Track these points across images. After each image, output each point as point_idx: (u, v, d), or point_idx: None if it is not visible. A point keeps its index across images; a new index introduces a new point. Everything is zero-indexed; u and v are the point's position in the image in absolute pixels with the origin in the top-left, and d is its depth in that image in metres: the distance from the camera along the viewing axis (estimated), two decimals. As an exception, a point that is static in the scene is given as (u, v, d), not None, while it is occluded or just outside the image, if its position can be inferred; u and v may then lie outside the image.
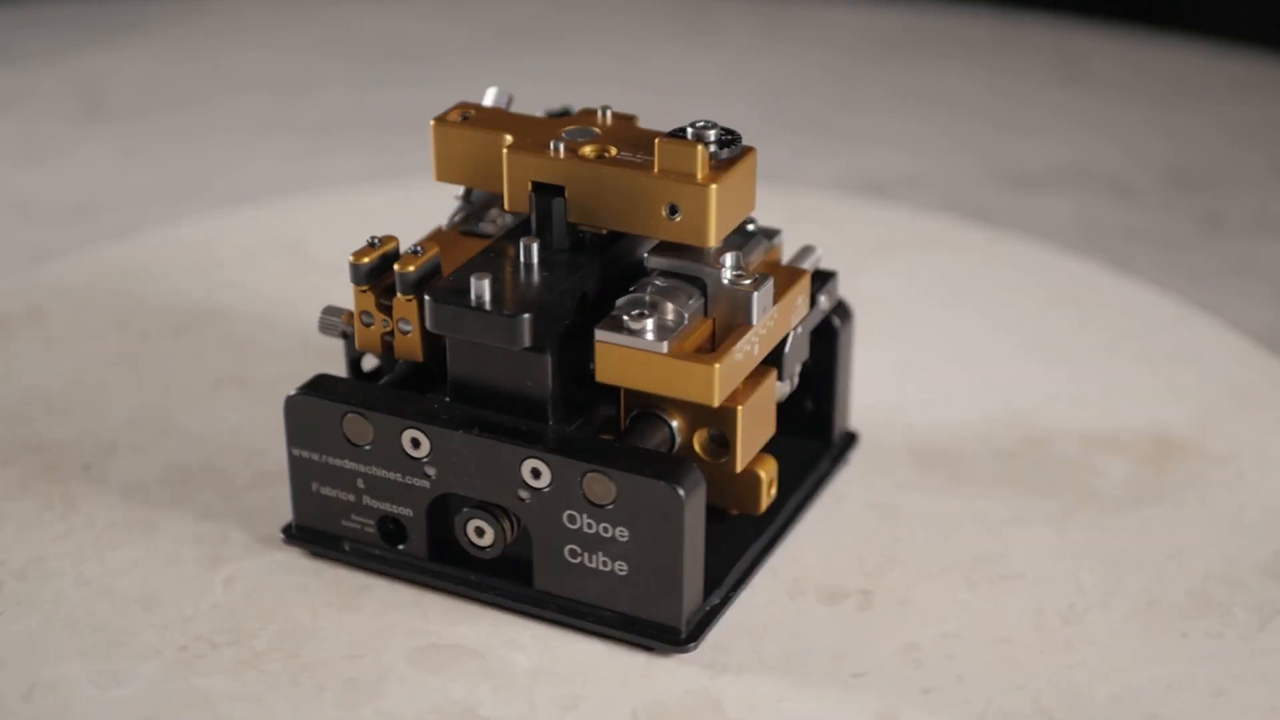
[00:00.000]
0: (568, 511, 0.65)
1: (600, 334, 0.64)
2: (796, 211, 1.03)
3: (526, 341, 0.64)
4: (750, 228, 0.69)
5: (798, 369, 0.70)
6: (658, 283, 0.65)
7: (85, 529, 0.74)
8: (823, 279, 0.71)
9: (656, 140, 0.64)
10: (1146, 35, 2.35)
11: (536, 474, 0.65)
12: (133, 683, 0.66)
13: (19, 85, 2.17)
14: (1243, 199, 1.90)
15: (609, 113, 0.68)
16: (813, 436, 0.76)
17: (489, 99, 0.72)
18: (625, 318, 0.64)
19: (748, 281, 0.64)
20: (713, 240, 0.64)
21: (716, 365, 0.63)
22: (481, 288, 0.64)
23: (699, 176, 0.63)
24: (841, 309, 0.74)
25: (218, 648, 0.67)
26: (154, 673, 0.66)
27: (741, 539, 0.70)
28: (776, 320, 0.66)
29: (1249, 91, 2.19)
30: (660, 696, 0.64)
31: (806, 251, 0.71)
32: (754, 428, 0.67)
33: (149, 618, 0.69)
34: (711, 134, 0.64)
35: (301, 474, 0.70)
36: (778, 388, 0.69)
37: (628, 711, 0.63)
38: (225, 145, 2.01)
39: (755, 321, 0.64)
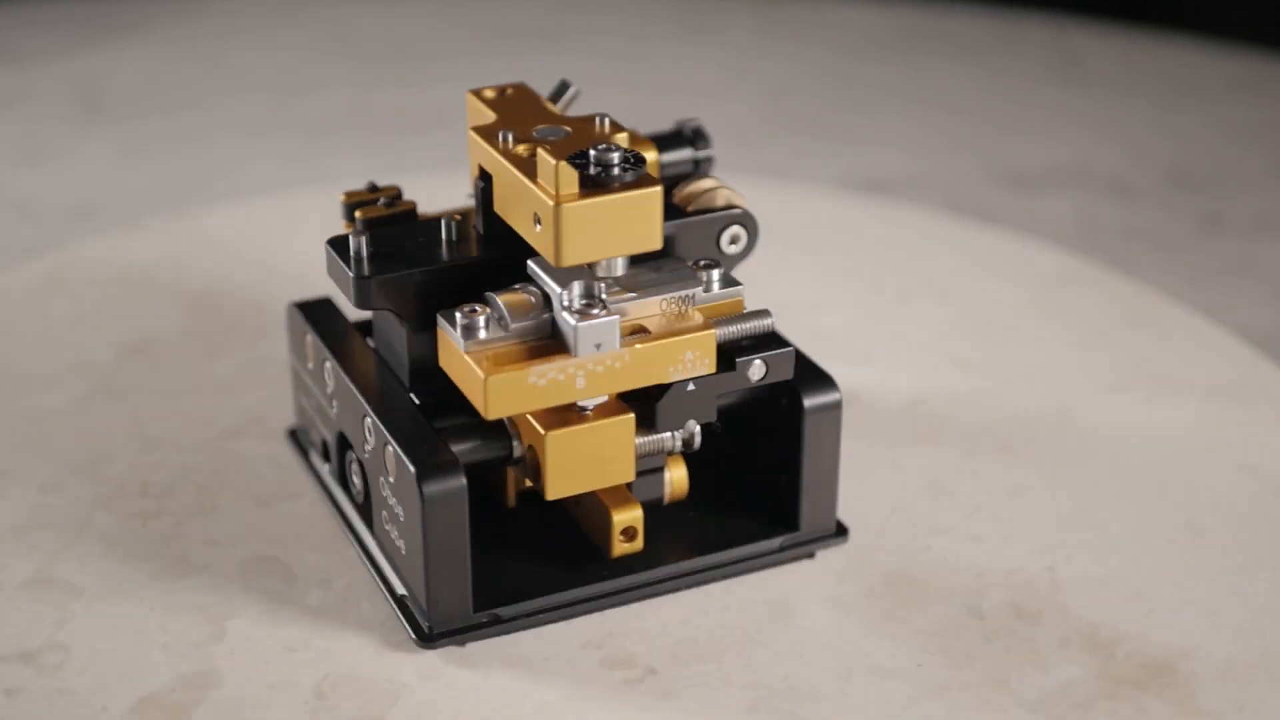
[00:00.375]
0: (380, 476, 0.66)
1: (440, 318, 0.65)
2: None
3: (372, 304, 0.66)
4: (717, 273, 0.66)
5: (693, 428, 0.67)
6: (520, 288, 0.65)
7: (197, 379, 0.84)
8: (763, 346, 0.67)
9: (538, 149, 0.63)
10: (1146, 35, 2.35)
11: (370, 433, 0.67)
12: (62, 495, 0.75)
13: (18, 85, 2.17)
14: (1243, 199, 1.91)
15: (607, 121, 0.68)
16: (781, 519, 0.71)
17: (557, 88, 0.72)
18: (458, 312, 0.64)
19: (595, 311, 0.63)
20: (563, 260, 0.62)
21: (489, 378, 0.62)
22: (359, 244, 0.66)
23: (557, 194, 0.62)
24: (820, 386, 0.68)
25: (145, 496, 0.75)
26: (84, 495, 0.75)
27: (581, 578, 0.68)
28: (633, 365, 0.64)
29: (1249, 91, 2.19)
30: (358, 674, 0.64)
31: (754, 315, 0.67)
32: (574, 462, 0.65)
33: (142, 456, 0.77)
34: (614, 155, 0.63)
35: (295, 381, 0.76)
36: (657, 440, 0.67)
37: (318, 675, 0.64)
38: (225, 145, 2.01)
39: (578, 354, 0.63)
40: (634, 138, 0.73)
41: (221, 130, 2.05)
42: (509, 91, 0.71)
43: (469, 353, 0.63)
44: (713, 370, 0.65)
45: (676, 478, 0.70)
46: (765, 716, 0.63)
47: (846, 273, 0.96)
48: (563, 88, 0.72)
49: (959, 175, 1.95)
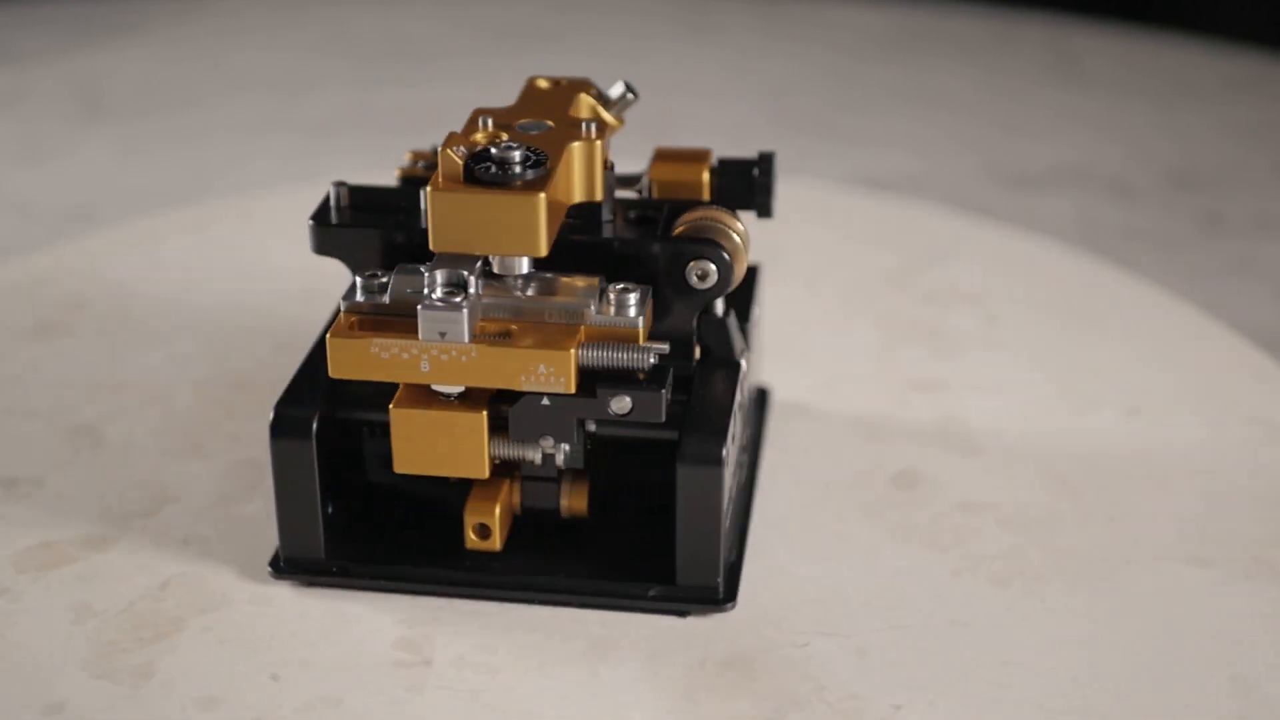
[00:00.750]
0: None
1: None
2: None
3: (322, 250, 0.70)
4: (633, 297, 0.65)
5: (547, 442, 0.66)
6: (429, 265, 0.66)
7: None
8: (650, 383, 0.65)
9: (450, 133, 0.65)
10: (1147, 35, 2.35)
11: None
12: (178, 366, 0.84)
13: (18, 85, 2.17)
14: (1243, 199, 1.91)
15: (593, 127, 0.67)
16: (665, 569, 0.68)
17: (615, 89, 0.72)
18: (361, 276, 0.66)
19: (439, 300, 0.63)
20: (432, 244, 0.63)
21: (331, 338, 0.65)
22: (339, 194, 0.70)
23: (438, 180, 0.63)
24: (704, 441, 0.65)
25: (231, 387, 0.82)
26: (193, 373, 0.84)
27: (437, 560, 0.69)
28: (480, 363, 0.64)
29: (1249, 91, 2.19)
30: (207, 580, 0.70)
31: (633, 348, 0.65)
32: (420, 443, 0.66)
33: (270, 355, 0.85)
34: (516, 155, 0.63)
35: None
36: (516, 447, 0.67)
37: (176, 572, 0.70)
38: (225, 145, 2.01)
39: (420, 336, 0.64)
40: (694, 155, 0.72)
41: (221, 130, 2.05)
42: (562, 83, 0.71)
43: (343, 312, 0.65)
44: (569, 390, 0.64)
45: (572, 493, 0.69)
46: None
47: (1089, 367, 0.87)
48: (622, 90, 0.71)
49: (960, 175, 1.95)
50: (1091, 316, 0.92)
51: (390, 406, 0.66)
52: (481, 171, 0.63)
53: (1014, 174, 1.95)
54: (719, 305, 0.70)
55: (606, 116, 0.70)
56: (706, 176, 0.71)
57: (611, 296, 0.65)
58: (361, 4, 2.48)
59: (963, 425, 0.81)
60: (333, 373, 0.65)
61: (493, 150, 0.63)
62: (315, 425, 0.66)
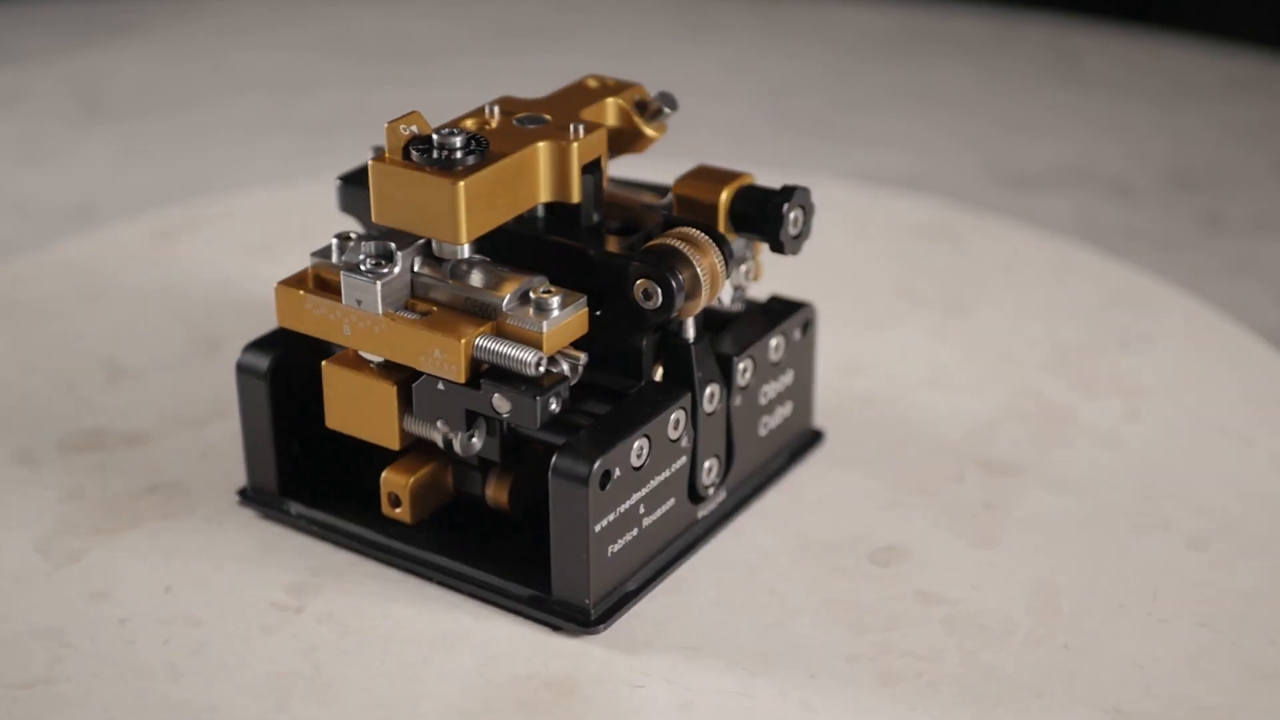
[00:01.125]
0: None
1: None
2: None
3: (342, 207, 0.74)
4: (555, 300, 0.64)
5: (439, 425, 0.66)
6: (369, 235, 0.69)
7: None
8: (544, 387, 0.64)
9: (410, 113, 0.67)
10: (1147, 35, 2.35)
11: None
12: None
13: (18, 85, 2.17)
14: (1243, 199, 1.91)
15: (580, 129, 0.67)
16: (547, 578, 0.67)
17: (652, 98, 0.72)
18: (337, 236, 0.68)
19: (365, 270, 0.65)
20: (374, 216, 0.66)
21: (277, 286, 0.68)
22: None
23: (384, 154, 0.66)
24: (577, 457, 0.64)
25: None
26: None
27: (360, 520, 0.71)
28: (388, 335, 0.65)
29: (1249, 91, 2.19)
30: (183, 488, 0.74)
31: (523, 348, 0.64)
32: (344, 403, 0.68)
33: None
34: (457, 140, 0.64)
35: None
36: (421, 424, 0.67)
37: (167, 481, 0.74)
38: (225, 145, 2.01)
39: (342, 301, 0.66)
40: (723, 176, 0.71)
41: (221, 130, 2.05)
42: (610, 84, 0.72)
43: (309, 266, 0.68)
44: (458, 379, 0.64)
45: (496, 485, 0.69)
46: (270, 696, 0.63)
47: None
48: (660, 99, 0.71)
49: (960, 175, 1.95)
50: (1248, 436, 0.81)
51: (323, 362, 0.68)
52: (420, 153, 0.64)
53: (1014, 174, 1.95)
54: (690, 329, 0.68)
55: (644, 126, 0.71)
56: (724, 198, 0.70)
57: (533, 297, 0.65)
58: (361, 4, 2.48)
59: (999, 517, 0.73)
60: (279, 321, 0.68)
61: (435, 135, 0.64)
62: (272, 367, 0.70)
